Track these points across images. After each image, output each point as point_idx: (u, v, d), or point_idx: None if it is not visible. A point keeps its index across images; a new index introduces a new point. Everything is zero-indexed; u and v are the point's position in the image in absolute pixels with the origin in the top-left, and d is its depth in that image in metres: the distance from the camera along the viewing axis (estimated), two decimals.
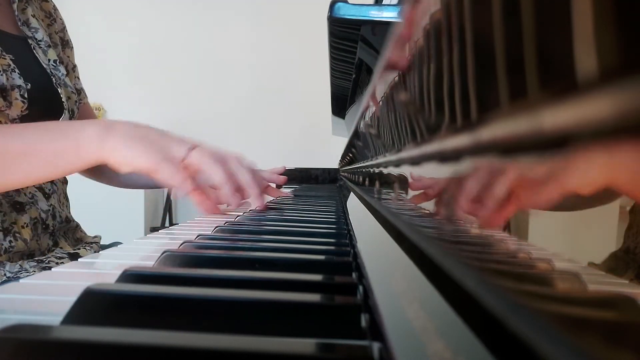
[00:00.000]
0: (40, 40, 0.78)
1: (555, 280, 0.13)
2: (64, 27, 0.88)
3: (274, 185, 0.86)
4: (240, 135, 2.85)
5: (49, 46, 0.79)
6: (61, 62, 0.81)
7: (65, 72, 0.81)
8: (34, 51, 0.76)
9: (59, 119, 0.75)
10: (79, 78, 0.90)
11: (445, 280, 0.19)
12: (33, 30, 0.77)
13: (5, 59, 0.68)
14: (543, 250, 0.13)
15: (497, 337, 0.13)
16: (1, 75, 0.67)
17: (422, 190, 0.26)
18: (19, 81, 0.69)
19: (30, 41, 0.76)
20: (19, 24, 0.76)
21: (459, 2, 0.17)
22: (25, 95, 0.69)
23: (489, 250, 0.17)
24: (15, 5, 0.75)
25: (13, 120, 0.68)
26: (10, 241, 0.69)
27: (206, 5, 2.89)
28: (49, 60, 0.78)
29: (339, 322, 0.21)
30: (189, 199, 0.63)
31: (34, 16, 0.78)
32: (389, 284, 0.22)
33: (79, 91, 0.87)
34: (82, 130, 0.59)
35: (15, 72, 0.69)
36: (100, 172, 0.89)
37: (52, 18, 0.85)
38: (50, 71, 0.77)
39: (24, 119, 0.70)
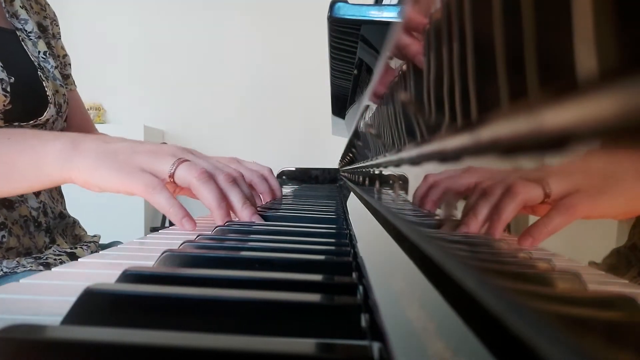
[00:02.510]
0: (30, 32, 0.76)
1: (555, 280, 0.13)
2: (55, 19, 0.87)
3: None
4: (240, 135, 2.85)
5: (39, 37, 0.78)
6: (51, 54, 0.79)
7: (54, 65, 0.79)
8: (23, 43, 0.75)
9: (43, 114, 0.74)
10: (70, 65, 0.88)
11: (445, 280, 0.19)
12: (22, 21, 0.76)
13: None
14: (543, 250, 0.13)
15: (497, 337, 0.13)
16: None
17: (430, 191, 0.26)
18: (2, 74, 0.67)
19: (19, 33, 0.75)
20: (7, 16, 0.75)
21: (458, 2, 0.17)
22: (8, 89, 0.68)
23: (489, 250, 0.17)
24: None
25: None
26: (3, 236, 0.69)
27: (206, 5, 2.89)
28: (39, 52, 0.77)
29: (339, 322, 0.21)
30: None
31: (22, 7, 0.77)
32: (389, 283, 0.22)
33: (66, 76, 0.85)
34: (47, 145, 0.52)
35: None
36: None
37: (43, 9, 0.84)
38: (39, 63, 0.76)
39: (7, 113, 0.68)
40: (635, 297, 0.10)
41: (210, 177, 0.52)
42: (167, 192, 0.50)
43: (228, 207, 0.54)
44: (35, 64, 0.76)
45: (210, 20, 2.89)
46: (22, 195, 0.73)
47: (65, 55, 0.87)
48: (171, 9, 2.89)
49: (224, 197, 0.53)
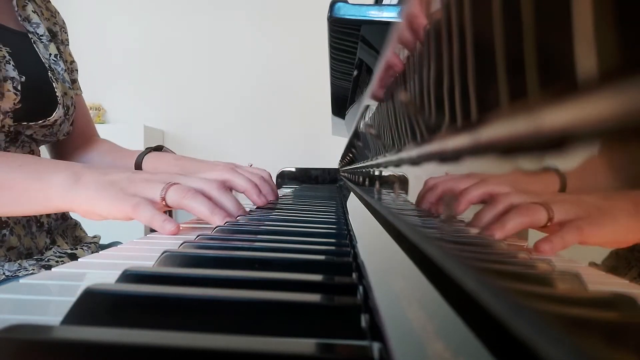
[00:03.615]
0: (41, 35, 0.79)
1: (556, 280, 0.13)
2: (64, 27, 0.89)
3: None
4: (240, 136, 2.85)
5: (50, 40, 0.80)
6: (61, 57, 0.81)
7: (64, 68, 0.81)
8: (34, 45, 0.77)
9: (52, 114, 0.75)
10: (77, 71, 0.91)
11: (445, 280, 0.19)
12: (34, 25, 0.78)
13: (1, 51, 0.69)
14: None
15: (497, 337, 0.13)
16: None
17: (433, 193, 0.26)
18: (13, 73, 0.69)
19: (31, 36, 0.77)
20: (20, 19, 0.77)
21: (458, 2, 0.17)
22: (19, 88, 0.69)
23: (489, 250, 0.17)
24: (14, 2, 0.77)
25: (5, 114, 0.68)
26: (4, 234, 0.69)
27: (207, 5, 2.89)
28: (50, 54, 0.79)
29: (339, 322, 0.21)
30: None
31: (34, 12, 0.79)
32: (389, 284, 0.22)
33: (73, 81, 0.88)
34: (53, 175, 0.57)
35: (9, 64, 0.69)
36: None
37: (53, 16, 0.87)
38: (49, 65, 0.78)
39: (16, 112, 0.70)
40: (635, 297, 0.10)
41: (197, 193, 0.56)
42: (151, 207, 0.53)
43: (222, 210, 0.56)
44: (46, 65, 0.77)
45: (210, 21, 2.89)
46: None
47: (73, 61, 0.90)
48: (172, 9, 2.89)
49: (215, 205, 0.56)
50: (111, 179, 0.56)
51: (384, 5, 0.63)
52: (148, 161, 0.81)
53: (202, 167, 0.75)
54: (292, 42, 2.85)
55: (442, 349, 0.14)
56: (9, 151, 0.70)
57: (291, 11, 2.82)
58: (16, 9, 0.77)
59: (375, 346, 0.17)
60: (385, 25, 0.50)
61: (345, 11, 0.52)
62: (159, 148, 0.85)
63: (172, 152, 0.86)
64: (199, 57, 2.90)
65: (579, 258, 0.12)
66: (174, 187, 0.55)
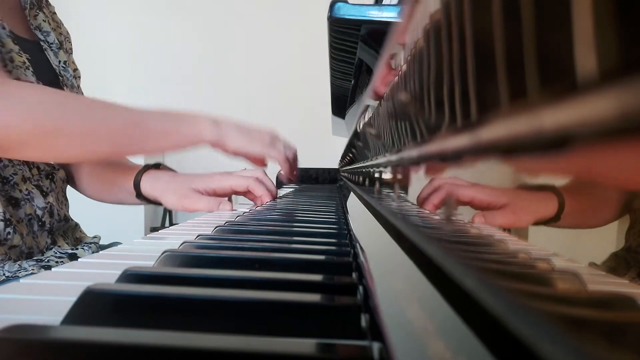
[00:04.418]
0: (51, 43, 0.84)
1: (555, 280, 0.13)
2: (68, 37, 0.93)
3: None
4: None
5: (59, 48, 0.85)
6: (69, 64, 0.86)
7: (72, 74, 0.86)
8: (46, 53, 0.82)
9: None
10: (79, 78, 0.94)
11: (445, 280, 0.19)
12: (45, 33, 0.83)
13: (22, 57, 0.74)
14: (543, 251, 0.13)
15: (497, 337, 0.13)
16: (20, 69, 0.72)
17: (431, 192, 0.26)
18: (32, 78, 0.74)
19: (42, 44, 0.82)
20: (32, 28, 0.82)
21: (458, 2, 0.17)
22: None
23: (489, 250, 0.17)
24: (27, 12, 0.81)
25: None
26: (8, 232, 0.70)
27: (206, 5, 2.89)
28: (59, 61, 0.84)
29: (339, 322, 0.21)
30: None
31: (45, 21, 0.84)
32: (389, 284, 0.22)
33: (78, 87, 0.92)
34: (199, 120, 0.75)
35: (29, 69, 0.74)
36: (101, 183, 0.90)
37: (59, 26, 0.91)
38: (59, 72, 0.83)
39: None
40: (634, 296, 0.10)
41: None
42: (280, 145, 0.81)
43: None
44: (57, 71, 0.82)
45: (210, 21, 2.89)
46: (28, 194, 0.75)
47: (76, 69, 0.93)
48: (171, 9, 2.89)
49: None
50: (246, 125, 0.80)
51: (384, 5, 0.63)
52: (147, 180, 0.82)
53: (202, 178, 0.80)
54: (292, 42, 2.85)
55: (442, 349, 0.14)
56: None
57: (291, 11, 2.82)
58: (28, 18, 0.81)
59: (375, 346, 0.17)
60: (385, 25, 0.50)
61: (345, 11, 0.52)
62: (157, 166, 0.86)
63: (171, 169, 0.87)
64: (199, 58, 2.90)
65: (579, 258, 0.12)
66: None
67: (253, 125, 0.81)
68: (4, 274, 0.66)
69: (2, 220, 0.69)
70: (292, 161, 0.87)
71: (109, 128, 0.69)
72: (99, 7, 2.89)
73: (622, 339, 0.10)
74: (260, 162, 0.84)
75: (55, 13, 0.90)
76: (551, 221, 0.14)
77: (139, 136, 0.72)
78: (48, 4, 0.87)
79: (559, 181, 0.13)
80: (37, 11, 0.83)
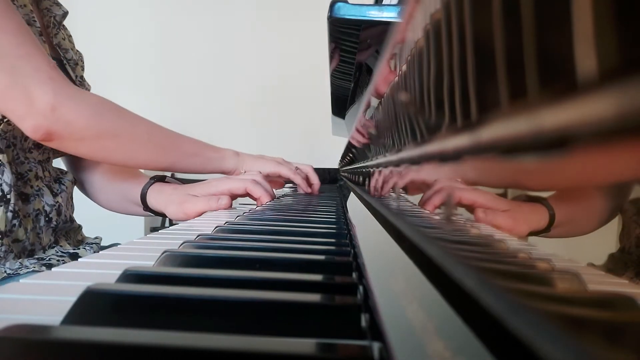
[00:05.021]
0: (69, 59, 0.89)
1: (555, 280, 0.13)
2: (81, 56, 0.97)
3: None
4: (240, 136, 2.85)
5: (76, 64, 0.90)
6: (84, 80, 0.92)
7: (88, 89, 0.92)
8: (66, 67, 0.86)
9: None
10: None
11: (445, 280, 0.19)
12: (64, 50, 0.88)
13: None
14: (543, 251, 0.13)
15: (497, 337, 0.13)
16: None
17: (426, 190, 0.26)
18: None
19: (63, 60, 0.86)
20: (54, 43, 0.86)
21: (458, 2, 0.17)
22: None
23: (489, 250, 0.17)
24: (49, 30, 0.86)
25: None
26: (14, 224, 0.72)
27: (207, 5, 2.89)
28: (76, 76, 0.89)
29: (339, 322, 0.21)
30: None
31: (64, 39, 0.89)
32: (389, 283, 0.22)
33: None
34: (224, 151, 0.91)
35: None
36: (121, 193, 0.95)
37: (72, 47, 0.95)
38: (78, 86, 0.87)
39: None
40: (633, 296, 0.10)
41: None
42: (292, 165, 0.98)
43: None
44: (76, 85, 0.87)
45: (210, 21, 2.89)
46: (39, 190, 0.78)
47: (89, 86, 0.98)
48: (172, 10, 2.89)
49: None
50: (258, 155, 0.96)
51: (384, 5, 0.63)
52: (152, 193, 0.88)
53: (202, 185, 0.85)
54: (292, 42, 2.85)
55: (442, 349, 0.14)
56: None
57: (291, 11, 2.82)
58: (51, 36, 0.86)
59: (375, 346, 0.17)
60: (385, 25, 0.50)
61: (345, 11, 0.52)
62: (162, 178, 0.91)
63: (176, 181, 0.93)
64: (199, 58, 2.90)
65: (579, 258, 0.12)
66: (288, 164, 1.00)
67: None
68: (5, 271, 0.67)
69: (11, 212, 0.71)
70: (305, 177, 1.02)
71: (151, 140, 0.81)
72: (102, 7, 2.89)
73: (622, 339, 0.10)
74: (279, 184, 1.00)
75: (70, 36, 0.95)
76: (542, 232, 0.14)
77: (173, 152, 0.84)
78: (65, 27, 0.93)
79: (549, 193, 0.13)
80: (57, 30, 0.88)
